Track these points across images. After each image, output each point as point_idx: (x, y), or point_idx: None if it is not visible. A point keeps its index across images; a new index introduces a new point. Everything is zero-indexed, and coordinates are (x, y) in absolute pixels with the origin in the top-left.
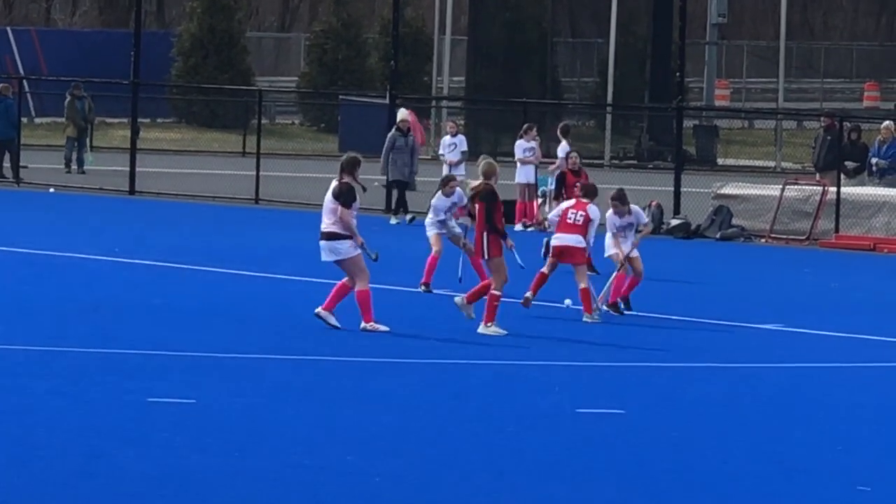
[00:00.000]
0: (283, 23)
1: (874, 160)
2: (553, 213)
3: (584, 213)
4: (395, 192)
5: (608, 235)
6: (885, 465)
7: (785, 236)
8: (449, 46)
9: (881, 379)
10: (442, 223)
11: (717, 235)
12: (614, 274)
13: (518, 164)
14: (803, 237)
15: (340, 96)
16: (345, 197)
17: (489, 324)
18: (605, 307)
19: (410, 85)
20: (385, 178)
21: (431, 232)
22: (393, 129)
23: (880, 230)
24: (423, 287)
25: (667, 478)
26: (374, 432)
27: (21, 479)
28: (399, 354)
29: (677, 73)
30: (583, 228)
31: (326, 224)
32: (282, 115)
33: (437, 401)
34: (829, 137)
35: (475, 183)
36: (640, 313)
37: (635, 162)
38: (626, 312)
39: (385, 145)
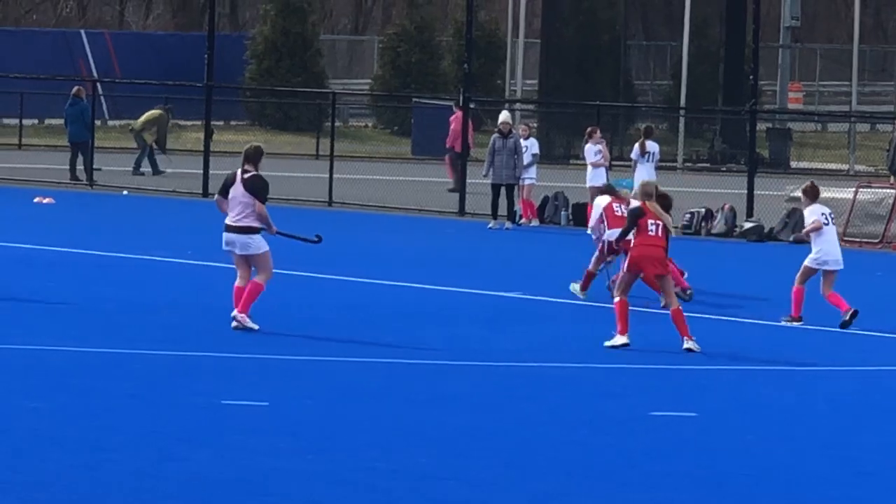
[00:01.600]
0: (356, 25)
1: None
2: None
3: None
4: (498, 196)
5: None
6: None
7: (858, 239)
8: (522, 49)
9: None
10: None
11: (791, 238)
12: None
13: (590, 168)
14: (876, 240)
15: (413, 99)
16: (262, 191)
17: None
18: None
19: (483, 88)
20: (487, 180)
21: None
22: (495, 133)
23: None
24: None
25: (740, 481)
26: (446, 434)
27: (95, 481)
28: (470, 357)
29: (750, 77)
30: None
31: (236, 217)
32: (355, 118)
33: (509, 403)
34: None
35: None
36: (713, 316)
37: (708, 165)
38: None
39: (488, 148)
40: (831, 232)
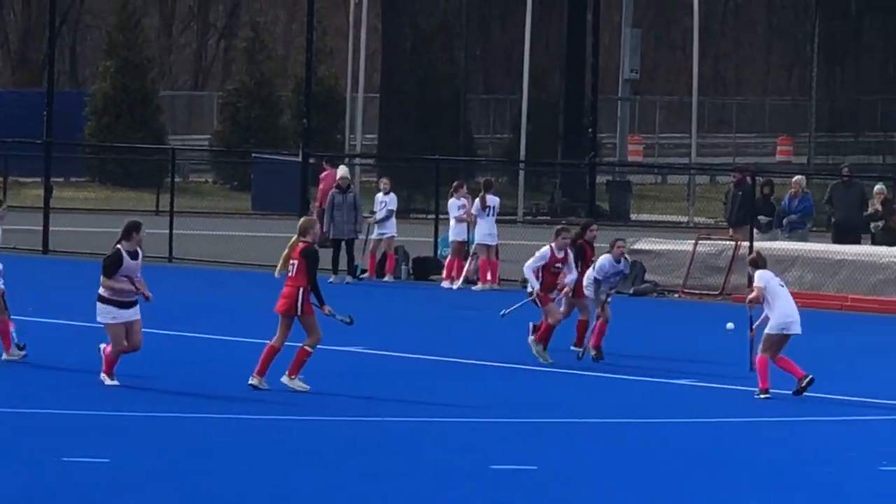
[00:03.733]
0: (196, 81)
1: (791, 217)
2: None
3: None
4: (339, 251)
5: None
6: None
7: (698, 291)
8: (362, 104)
9: (791, 434)
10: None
11: (631, 290)
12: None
13: (453, 222)
14: (716, 292)
15: (253, 154)
16: (106, 267)
17: (293, 377)
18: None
19: (323, 142)
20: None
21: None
22: (333, 188)
23: (793, 285)
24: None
25: None
26: (289, 490)
27: None
28: (314, 412)
29: (589, 129)
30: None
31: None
32: (195, 174)
33: (351, 458)
34: (740, 192)
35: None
36: (554, 369)
37: (549, 218)
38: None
39: (327, 204)
40: (787, 295)
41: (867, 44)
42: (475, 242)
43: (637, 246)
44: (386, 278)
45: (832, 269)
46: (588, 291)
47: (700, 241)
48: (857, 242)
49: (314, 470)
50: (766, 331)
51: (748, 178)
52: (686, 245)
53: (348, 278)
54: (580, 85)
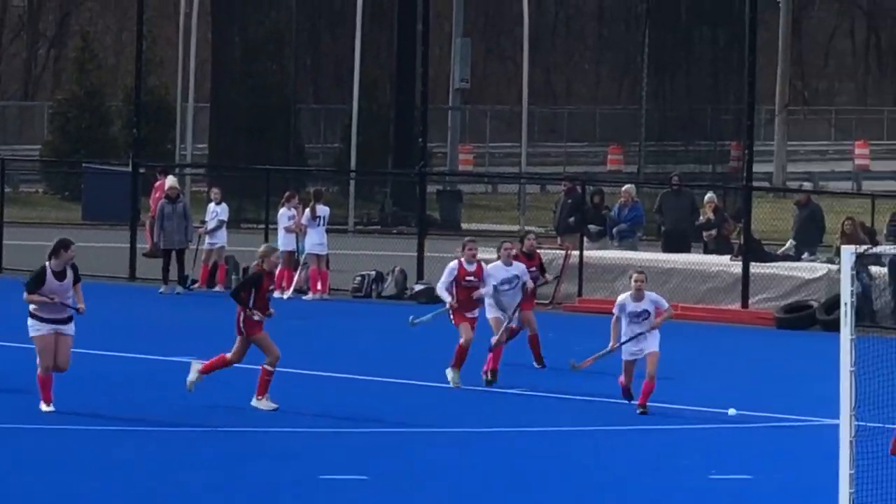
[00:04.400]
0: (26, 91)
1: (614, 229)
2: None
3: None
4: (170, 261)
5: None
6: None
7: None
8: (192, 113)
9: (619, 440)
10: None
11: None
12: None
13: (282, 232)
14: (546, 301)
15: (84, 164)
16: (28, 283)
17: (260, 398)
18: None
19: (154, 152)
20: (158, 246)
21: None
22: (162, 199)
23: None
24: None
25: None
26: (114, 500)
27: None
28: (144, 423)
29: (420, 139)
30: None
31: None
32: (25, 184)
33: (180, 469)
34: (570, 201)
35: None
36: (386, 378)
37: (379, 227)
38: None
39: (157, 214)
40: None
41: (697, 54)
42: (305, 252)
43: None
44: (216, 288)
45: (662, 278)
46: (489, 311)
47: None
48: (688, 251)
49: (140, 479)
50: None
51: (578, 187)
52: None
53: (179, 288)
54: (411, 95)
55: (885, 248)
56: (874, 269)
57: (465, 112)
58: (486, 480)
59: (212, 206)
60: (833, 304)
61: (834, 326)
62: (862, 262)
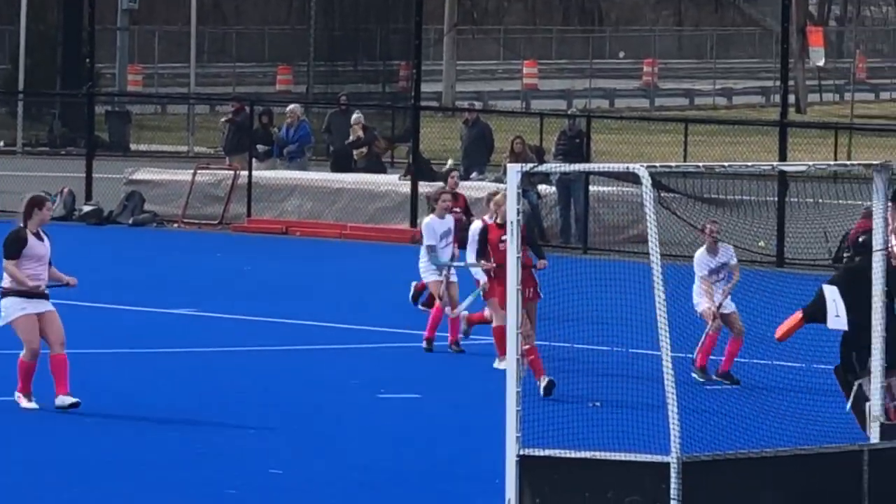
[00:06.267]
0: None
1: (284, 149)
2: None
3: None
4: None
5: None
6: (295, 448)
7: (197, 221)
8: None
9: (291, 361)
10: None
11: (130, 221)
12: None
13: None
14: (216, 221)
15: None
16: (8, 246)
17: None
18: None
19: None
20: None
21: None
22: None
23: (292, 213)
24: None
25: (76, 464)
26: None
27: None
28: None
29: (87, 60)
30: None
31: None
32: None
33: None
34: (237, 121)
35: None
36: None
37: (48, 149)
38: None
39: None
40: None
41: None
42: None
43: (136, 176)
44: None
45: (331, 198)
46: (430, 274)
47: (199, 171)
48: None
49: None
50: None
51: (245, 108)
52: (185, 175)
53: None
54: (79, 15)
55: (552, 167)
56: (543, 187)
57: (134, 32)
58: (150, 400)
59: None
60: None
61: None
62: (530, 180)
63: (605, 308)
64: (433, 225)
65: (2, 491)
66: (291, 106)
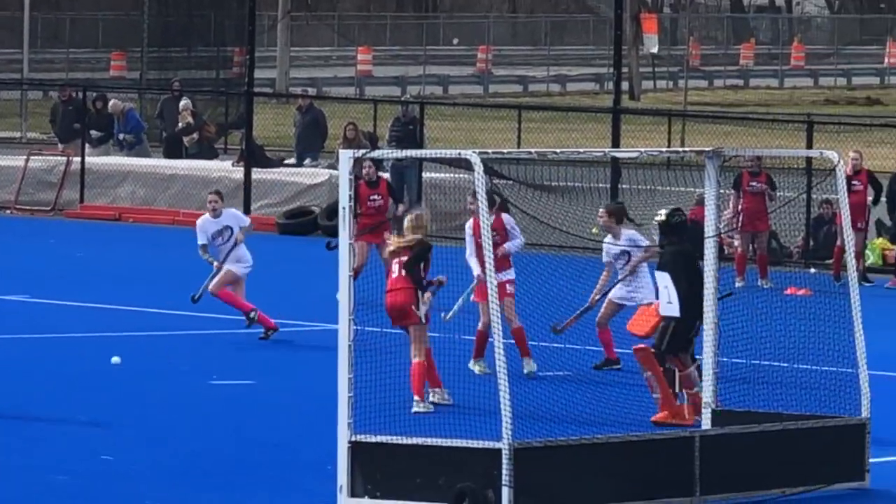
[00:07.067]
0: None
1: (121, 135)
2: None
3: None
4: None
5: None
6: (126, 435)
7: (30, 207)
8: None
9: (123, 348)
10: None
11: None
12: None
13: None
14: (48, 208)
15: None
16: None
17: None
18: None
19: None
20: None
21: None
22: None
23: (125, 200)
24: None
25: None
26: None
27: None
28: None
29: None
30: None
31: None
32: None
33: None
34: (70, 107)
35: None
36: None
37: None
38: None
39: None
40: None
41: None
42: None
43: None
44: None
45: (164, 184)
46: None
47: (32, 157)
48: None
49: None
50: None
51: (77, 94)
52: (18, 161)
53: None
54: None
55: (385, 153)
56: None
57: None
58: None
59: None
60: (334, 209)
61: (335, 231)
62: (360, 166)
63: (442, 296)
64: (205, 225)
65: None
66: (112, 101)
